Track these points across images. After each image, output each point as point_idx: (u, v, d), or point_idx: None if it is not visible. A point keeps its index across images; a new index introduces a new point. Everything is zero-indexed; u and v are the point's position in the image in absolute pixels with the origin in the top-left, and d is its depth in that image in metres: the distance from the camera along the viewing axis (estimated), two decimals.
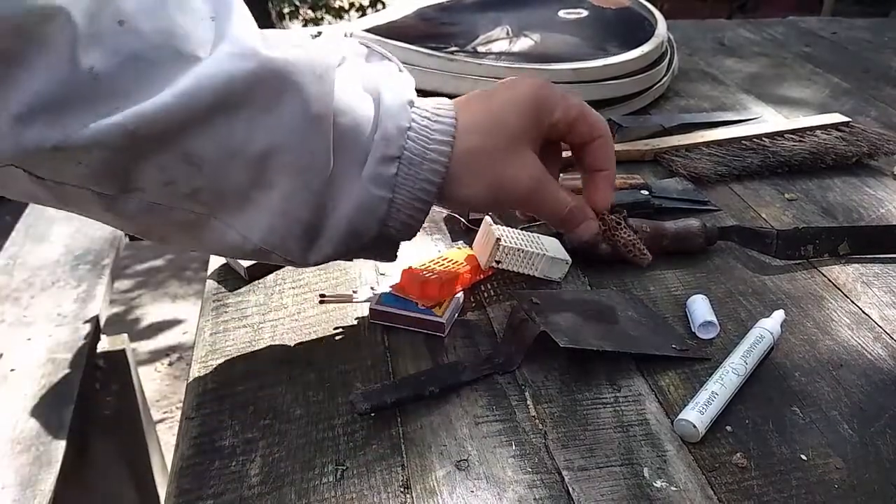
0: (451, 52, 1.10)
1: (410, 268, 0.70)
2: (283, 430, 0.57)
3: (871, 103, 1.21)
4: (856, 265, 0.79)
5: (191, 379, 0.63)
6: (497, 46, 1.16)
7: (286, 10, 4.80)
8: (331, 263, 0.77)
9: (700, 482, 0.53)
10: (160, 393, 2.26)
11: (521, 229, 0.75)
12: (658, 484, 0.53)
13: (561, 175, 0.81)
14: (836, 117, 1.06)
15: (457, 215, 0.84)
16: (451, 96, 1.09)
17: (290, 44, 0.50)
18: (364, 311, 0.69)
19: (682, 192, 0.89)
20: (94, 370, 1.27)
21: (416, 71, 1.07)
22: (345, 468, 0.54)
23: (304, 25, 4.88)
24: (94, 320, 1.27)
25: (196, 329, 0.69)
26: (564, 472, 0.53)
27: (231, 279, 0.75)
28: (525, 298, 0.66)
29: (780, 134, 1.02)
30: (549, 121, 0.58)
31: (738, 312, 0.71)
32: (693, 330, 0.68)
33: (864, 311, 0.72)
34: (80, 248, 1.47)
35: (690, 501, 0.51)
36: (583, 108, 0.59)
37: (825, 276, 0.77)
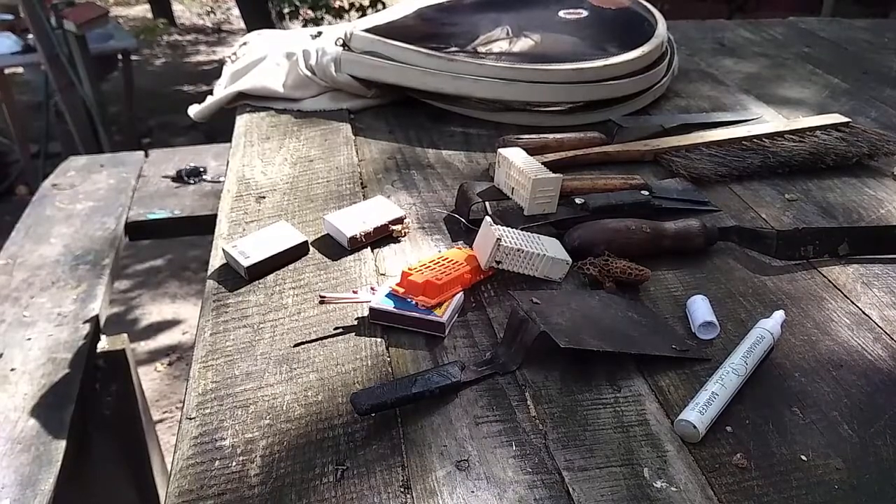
0: (451, 53, 1.10)
1: (410, 268, 0.70)
2: (283, 430, 0.57)
3: (870, 104, 1.21)
4: (856, 265, 0.79)
5: (191, 379, 0.63)
6: (497, 47, 1.16)
7: (286, 10, 4.79)
8: (331, 264, 0.77)
9: (700, 482, 0.53)
10: (160, 393, 2.26)
11: (521, 230, 0.75)
12: (658, 484, 0.53)
13: (562, 175, 0.81)
14: (836, 118, 1.06)
15: (457, 215, 0.84)
16: (451, 96, 1.10)
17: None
18: (364, 311, 0.69)
19: (682, 192, 0.89)
20: (94, 370, 1.27)
21: (416, 71, 1.07)
22: (345, 468, 0.54)
23: (304, 25, 4.88)
24: (94, 320, 1.27)
25: (196, 329, 0.69)
26: (565, 473, 0.53)
27: (231, 279, 0.75)
28: (525, 299, 0.66)
29: (780, 134, 1.02)
30: None
31: (738, 313, 0.71)
32: (693, 330, 0.68)
33: (864, 312, 0.72)
34: (80, 248, 1.47)
35: (690, 502, 0.52)
36: None
37: (825, 276, 0.77)
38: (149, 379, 2.31)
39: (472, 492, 0.52)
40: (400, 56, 1.08)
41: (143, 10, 6.49)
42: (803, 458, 0.55)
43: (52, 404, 1.10)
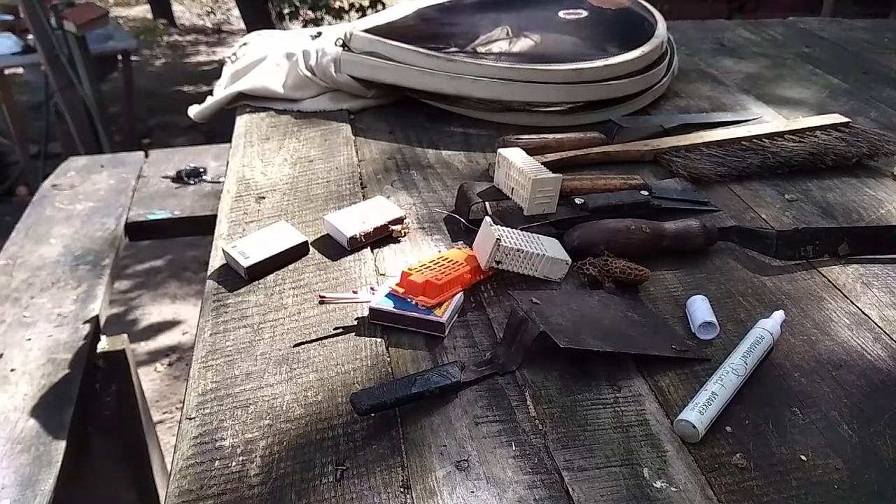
0: (451, 53, 1.10)
1: (410, 268, 0.70)
2: (283, 430, 0.57)
3: (870, 104, 1.21)
4: (855, 266, 0.79)
5: (191, 379, 0.63)
6: (497, 47, 1.16)
7: (286, 11, 4.79)
8: (330, 264, 0.77)
9: (700, 483, 0.53)
10: (160, 393, 2.26)
11: (521, 230, 0.75)
12: (658, 484, 0.53)
13: (562, 175, 0.81)
14: (836, 118, 1.06)
15: (457, 215, 0.84)
16: (451, 96, 1.10)
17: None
18: (364, 311, 0.69)
19: (681, 192, 0.89)
20: (94, 370, 1.27)
21: (417, 71, 1.07)
22: (345, 468, 0.54)
23: (304, 26, 4.88)
24: (94, 320, 1.27)
25: (196, 329, 0.69)
26: (564, 473, 0.53)
27: (231, 279, 0.75)
28: (525, 299, 0.66)
29: (780, 134, 1.02)
30: None
31: (738, 313, 0.71)
32: (693, 330, 0.68)
33: (863, 312, 0.72)
34: (80, 249, 1.47)
35: (690, 502, 0.52)
36: None
37: (825, 276, 0.77)
38: (149, 379, 2.31)
39: (472, 492, 0.52)
40: (399, 56, 1.08)
41: (143, 11, 6.49)
42: (803, 458, 0.55)
43: (52, 405, 1.10)
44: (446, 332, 0.67)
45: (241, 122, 1.12)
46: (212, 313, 0.70)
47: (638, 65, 1.11)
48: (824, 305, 0.72)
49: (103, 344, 1.34)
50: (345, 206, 0.86)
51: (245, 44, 1.33)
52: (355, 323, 0.69)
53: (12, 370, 1.16)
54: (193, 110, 1.19)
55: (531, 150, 0.90)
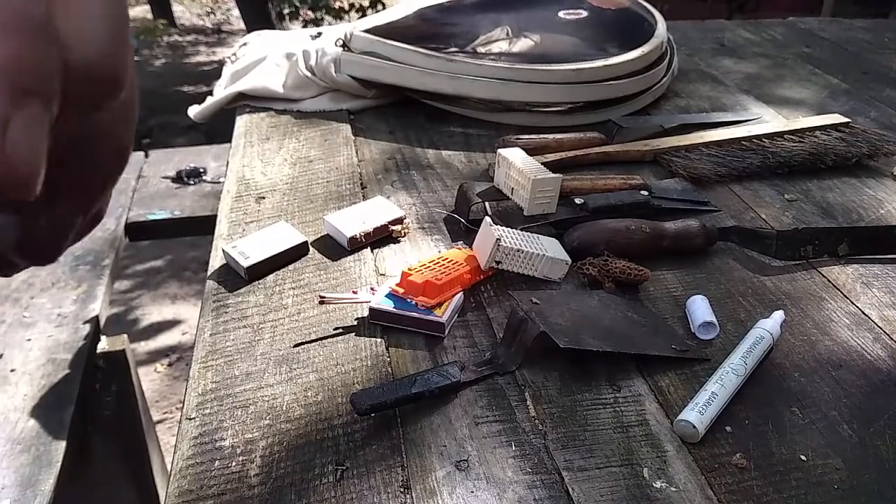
0: (451, 53, 1.10)
1: (410, 268, 0.70)
2: (283, 430, 0.57)
3: (870, 104, 1.21)
4: (855, 266, 0.79)
5: (191, 379, 0.63)
6: (497, 47, 1.16)
7: (286, 11, 4.81)
8: (330, 264, 0.77)
9: (700, 483, 0.53)
10: (160, 393, 2.26)
11: (521, 230, 0.75)
12: (658, 484, 0.53)
13: (562, 175, 0.81)
14: (836, 118, 1.06)
15: (456, 216, 0.84)
16: (451, 97, 1.11)
17: None
18: (364, 311, 0.69)
19: (681, 192, 0.89)
20: (94, 370, 1.27)
21: (416, 71, 1.07)
22: (345, 468, 0.54)
23: (305, 26, 4.88)
24: (94, 321, 1.27)
25: (196, 329, 0.69)
26: (564, 473, 0.53)
27: (231, 279, 0.75)
28: (525, 299, 0.66)
29: (780, 134, 1.02)
30: None
31: (738, 313, 0.71)
32: (693, 330, 0.68)
33: (863, 312, 0.72)
34: (80, 249, 1.47)
35: (690, 502, 0.52)
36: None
37: (825, 276, 0.77)
38: (149, 379, 2.31)
39: (472, 492, 0.52)
40: (399, 56, 1.08)
41: (143, 11, 6.49)
42: (803, 458, 0.55)
43: (52, 405, 1.10)
44: (446, 332, 0.67)
45: (241, 122, 1.12)
46: (212, 313, 0.70)
47: (638, 65, 1.11)
48: (824, 305, 0.72)
49: (103, 344, 1.33)
50: (345, 206, 0.86)
51: (245, 44, 1.33)
52: (355, 323, 0.69)
53: (12, 370, 1.16)
54: (193, 110, 1.19)
55: (531, 150, 0.90)
